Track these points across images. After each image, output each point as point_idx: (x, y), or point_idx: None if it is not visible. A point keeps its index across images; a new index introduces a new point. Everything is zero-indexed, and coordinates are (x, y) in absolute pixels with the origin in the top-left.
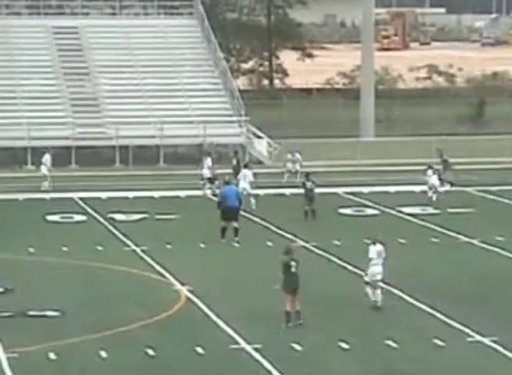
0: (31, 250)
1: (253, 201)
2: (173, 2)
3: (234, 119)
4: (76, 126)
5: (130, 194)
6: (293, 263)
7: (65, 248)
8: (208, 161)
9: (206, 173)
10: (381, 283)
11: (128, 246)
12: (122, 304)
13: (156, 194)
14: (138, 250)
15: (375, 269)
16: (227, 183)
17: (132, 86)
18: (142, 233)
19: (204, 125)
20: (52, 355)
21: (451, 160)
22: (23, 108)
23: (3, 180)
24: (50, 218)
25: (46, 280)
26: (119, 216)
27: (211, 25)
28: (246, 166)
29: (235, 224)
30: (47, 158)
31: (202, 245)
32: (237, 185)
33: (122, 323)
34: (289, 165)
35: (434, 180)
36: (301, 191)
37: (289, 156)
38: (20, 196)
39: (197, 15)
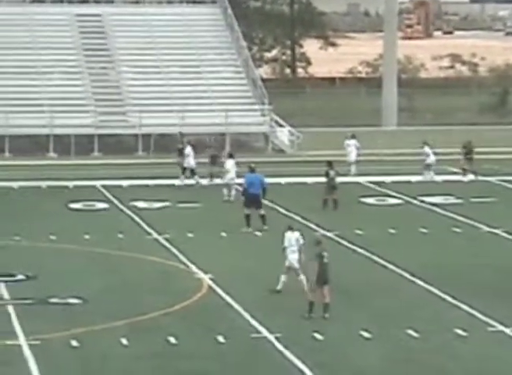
0: (53, 237)
1: (230, 192)
2: None
3: (257, 107)
4: (98, 114)
5: (152, 182)
6: (325, 254)
7: (87, 236)
8: (189, 150)
9: (192, 163)
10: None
11: (150, 234)
12: (144, 292)
13: (178, 182)
14: (160, 238)
15: (293, 256)
16: (252, 170)
17: (154, 74)
18: (164, 221)
19: (226, 113)
20: (74, 343)
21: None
22: (45, 96)
23: (26, 167)
24: (72, 206)
25: (68, 268)
26: (141, 204)
27: (235, 13)
28: (231, 156)
29: (261, 212)
30: None
31: (224, 234)
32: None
33: (144, 311)
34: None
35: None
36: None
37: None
38: (43, 183)
39: (220, 3)
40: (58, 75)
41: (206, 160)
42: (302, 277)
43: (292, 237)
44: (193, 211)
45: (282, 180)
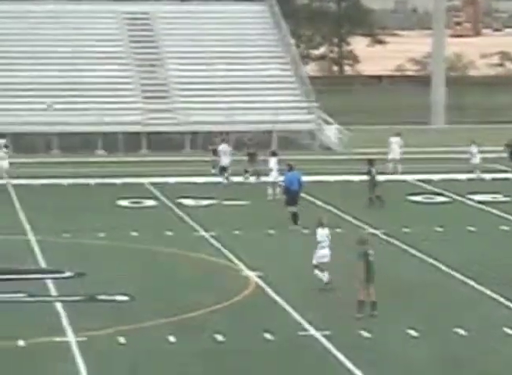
0: (101, 235)
1: (274, 191)
2: None
3: (304, 105)
4: (146, 112)
5: (200, 180)
6: (370, 252)
7: (134, 233)
8: (223, 147)
9: (226, 161)
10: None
11: (197, 231)
12: (190, 289)
13: (221, 181)
14: (207, 235)
15: (323, 252)
16: (291, 168)
17: (202, 72)
18: (211, 218)
19: (274, 111)
20: (121, 339)
21: None
22: (94, 93)
23: (75, 164)
24: (121, 203)
25: (115, 265)
26: (188, 202)
27: (282, 11)
28: (274, 154)
29: (294, 209)
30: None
31: (271, 231)
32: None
33: (191, 309)
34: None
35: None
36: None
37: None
38: (92, 181)
39: (267, 1)
40: (106, 73)
41: (244, 158)
42: (325, 274)
43: (323, 233)
44: (240, 208)
45: (331, 178)
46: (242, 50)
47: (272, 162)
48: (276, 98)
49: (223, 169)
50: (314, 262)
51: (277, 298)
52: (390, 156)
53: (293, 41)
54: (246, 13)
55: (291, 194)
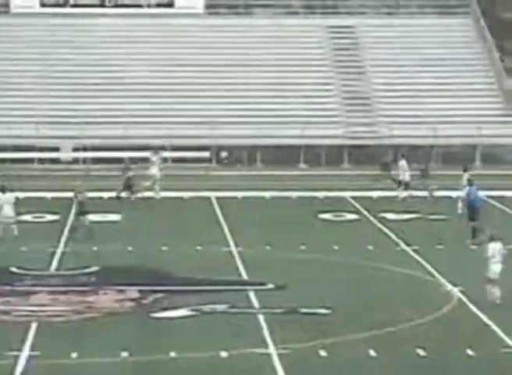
0: (303, 247)
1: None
2: (449, 2)
3: (509, 119)
4: (348, 125)
5: (395, 194)
6: None
7: (336, 247)
8: (404, 164)
9: (406, 176)
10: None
11: (399, 245)
12: (392, 303)
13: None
14: (409, 250)
15: (496, 267)
16: (471, 184)
17: (405, 85)
18: (413, 232)
19: (478, 125)
20: (323, 353)
21: None
22: (297, 107)
23: (277, 177)
24: (322, 216)
25: (317, 278)
26: (390, 216)
27: (487, 24)
28: (466, 170)
29: (476, 224)
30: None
31: (474, 246)
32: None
33: (392, 322)
34: None
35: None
36: None
37: None
38: (294, 194)
39: (473, 14)
40: (310, 86)
41: (417, 173)
42: (496, 290)
43: (496, 248)
44: (442, 222)
45: None
46: (446, 63)
47: (464, 177)
48: (481, 112)
49: (406, 185)
50: (491, 276)
51: (479, 314)
52: None
53: (498, 55)
54: (450, 26)
55: (475, 209)
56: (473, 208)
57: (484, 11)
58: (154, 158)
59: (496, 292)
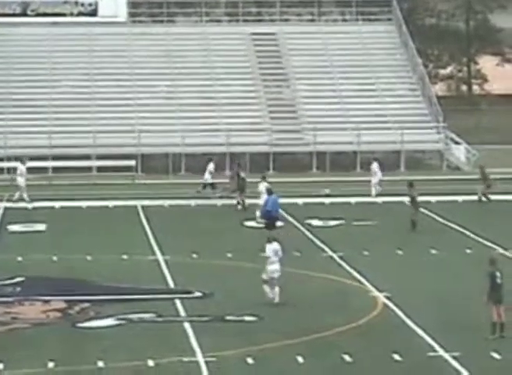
0: (229, 255)
1: None
2: (371, 9)
3: (432, 125)
4: (273, 132)
5: (327, 200)
6: (497, 274)
7: (262, 254)
8: (211, 166)
9: (208, 178)
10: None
11: (325, 252)
12: (318, 310)
13: (353, 199)
14: (335, 256)
15: (272, 267)
16: (270, 192)
17: (329, 92)
18: (339, 239)
19: (401, 131)
20: (250, 360)
21: None
22: (222, 114)
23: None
24: (247, 223)
25: (243, 285)
26: (315, 222)
27: (410, 30)
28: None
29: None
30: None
31: (399, 252)
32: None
33: (319, 329)
34: None
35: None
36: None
37: None
38: (219, 202)
39: (395, 20)
40: (234, 94)
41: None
42: (277, 290)
43: (271, 248)
44: (368, 228)
45: (459, 198)
46: (369, 69)
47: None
48: (404, 118)
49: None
50: (264, 277)
51: (405, 319)
52: None
53: (420, 61)
54: (373, 33)
55: (272, 218)
56: (269, 217)
57: (406, 18)
58: (22, 168)
59: (270, 293)
